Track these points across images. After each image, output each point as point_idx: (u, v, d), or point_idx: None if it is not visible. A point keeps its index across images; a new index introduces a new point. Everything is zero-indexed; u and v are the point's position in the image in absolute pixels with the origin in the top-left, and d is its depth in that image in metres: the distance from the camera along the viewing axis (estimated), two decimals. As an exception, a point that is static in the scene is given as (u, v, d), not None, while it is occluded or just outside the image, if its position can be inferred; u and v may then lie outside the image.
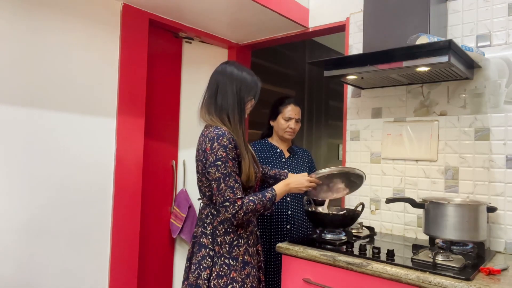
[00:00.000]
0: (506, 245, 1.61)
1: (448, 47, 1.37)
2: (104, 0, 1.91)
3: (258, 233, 1.59)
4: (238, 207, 1.35)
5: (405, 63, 1.51)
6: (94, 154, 1.85)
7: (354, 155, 2.11)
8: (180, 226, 2.28)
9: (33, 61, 1.66)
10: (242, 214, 1.36)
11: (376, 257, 1.41)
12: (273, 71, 3.26)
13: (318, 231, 1.67)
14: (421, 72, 1.61)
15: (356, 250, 1.50)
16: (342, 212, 1.75)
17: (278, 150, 2.06)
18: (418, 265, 1.32)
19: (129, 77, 1.99)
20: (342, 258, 1.43)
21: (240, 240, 1.45)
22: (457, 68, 1.49)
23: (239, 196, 1.36)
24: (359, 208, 1.72)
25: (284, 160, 2.04)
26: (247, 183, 1.43)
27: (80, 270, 1.79)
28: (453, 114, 1.78)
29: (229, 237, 1.44)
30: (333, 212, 1.76)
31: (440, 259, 1.34)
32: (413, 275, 1.25)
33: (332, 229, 1.71)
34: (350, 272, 1.42)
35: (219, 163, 1.36)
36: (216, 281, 1.38)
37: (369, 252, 1.47)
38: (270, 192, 1.46)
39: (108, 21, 1.93)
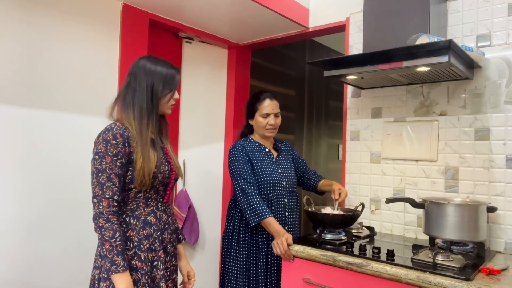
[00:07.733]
0: (506, 245, 1.61)
1: (448, 47, 1.37)
2: (104, 0, 1.91)
3: (164, 236, 1.43)
4: (103, 208, 1.27)
5: (405, 63, 1.51)
6: (94, 154, 1.85)
7: (354, 155, 2.11)
8: (180, 226, 2.28)
9: (33, 61, 1.66)
10: (103, 223, 1.27)
11: (376, 257, 1.41)
12: (273, 71, 3.26)
13: (318, 231, 1.67)
14: (421, 72, 1.61)
15: (356, 250, 1.50)
16: (342, 212, 1.75)
17: (267, 149, 1.99)
18: (418, 265, 1.32)
19: (129, 77, 1.99)
20: (342, 258, 1.43)
21: (128, 243, 1.32)
22: (457, 68, 1.49)
23: (107, 196, 1.27)
24: (359, 208, 1.72)
25: (274, 159, 1.98)
26: (140, 185, 1.34)
27: (80, 270, 1.79)
28: (453, 114, 1.78)
29: None
30: (333, 212, 1.76)
31: (440, 259, 1.34)
32: (413, 275, 1.25)
33: (332, 229, 1.71)
34: (350, 272, 1.42)
35: (96, 157, 1.29)
36: (101, 283, 1.27)
37: (369, 252, 1.47)
38: (118, 258, 1.25)
39: (108, 21, 1.93)
